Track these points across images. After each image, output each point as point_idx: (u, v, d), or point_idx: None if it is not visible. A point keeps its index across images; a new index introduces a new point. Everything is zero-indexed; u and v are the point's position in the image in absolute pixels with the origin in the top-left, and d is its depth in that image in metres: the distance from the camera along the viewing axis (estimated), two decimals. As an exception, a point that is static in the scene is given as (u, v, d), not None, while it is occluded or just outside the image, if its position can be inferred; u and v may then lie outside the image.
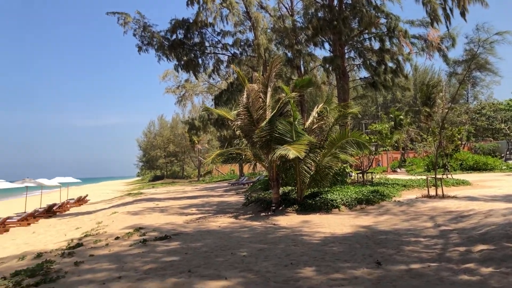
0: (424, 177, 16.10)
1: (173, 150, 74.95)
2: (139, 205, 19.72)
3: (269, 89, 13.87)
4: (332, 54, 22.40)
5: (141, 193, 32.94)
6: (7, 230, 15.71)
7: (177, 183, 57.70)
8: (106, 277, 5.89)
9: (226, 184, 38.14)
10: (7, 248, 11.44)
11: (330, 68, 22.30)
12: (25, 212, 19.37)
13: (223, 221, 11.88)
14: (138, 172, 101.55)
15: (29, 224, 17.45)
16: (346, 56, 23.66)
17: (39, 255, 8.76)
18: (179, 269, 6.07)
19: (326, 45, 23.99)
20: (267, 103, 13.66)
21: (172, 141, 75.27)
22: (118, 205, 21.47)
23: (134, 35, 24.42)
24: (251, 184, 28.32)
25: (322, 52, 32.57)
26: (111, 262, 6.95)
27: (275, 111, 13.08)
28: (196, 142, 56.59)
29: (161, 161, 77.43)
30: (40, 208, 21.36)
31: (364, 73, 24.71)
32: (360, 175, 19.08)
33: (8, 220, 16.60)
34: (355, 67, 25.08)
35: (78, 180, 33.48)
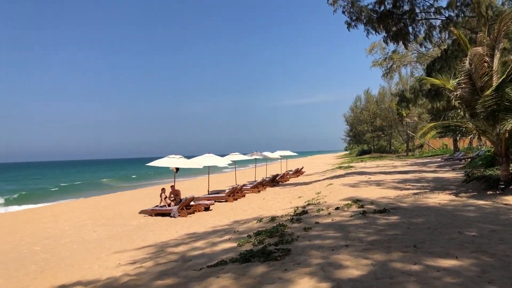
0: None
1: (380, 124, 73.46)
2: (352, 177, 20.42)
3: (497, 51, 12.32)
4: None
5: (351, 167, 33.76)
6: (243, 196, 18.77)
7: (384, 157, 56.72)
8: (334, 244, 6.39)
9: (439, 159, 35.52)
10: (246, 211, 13.73)
11: None
12: (255, 181, 22.61)
13: (442, 198, 11.33)
14: (346, 146, 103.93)
15: (259, 191, 20.36)
16: None
17: (272, 218, 10.25)
18: (403, 243, 6.11)
19: None
20: (494, 68, 12.14)
21: (378, 115, 73.80)
22: (332, 177, 22.69)
23: (343, 12, 24.72)
24: (468, 160, 26.23)
25: None
26: (336, 231, 7.57)
27: (504, 76, 11.56)
28: (404, 115, 53.96)
29: (367, 136, 77.08)
30: (266, 177, 24.53)
31: None
32: None
33: (244, 187, 19.79)
34: None
35: (295, 154, 36.12)
